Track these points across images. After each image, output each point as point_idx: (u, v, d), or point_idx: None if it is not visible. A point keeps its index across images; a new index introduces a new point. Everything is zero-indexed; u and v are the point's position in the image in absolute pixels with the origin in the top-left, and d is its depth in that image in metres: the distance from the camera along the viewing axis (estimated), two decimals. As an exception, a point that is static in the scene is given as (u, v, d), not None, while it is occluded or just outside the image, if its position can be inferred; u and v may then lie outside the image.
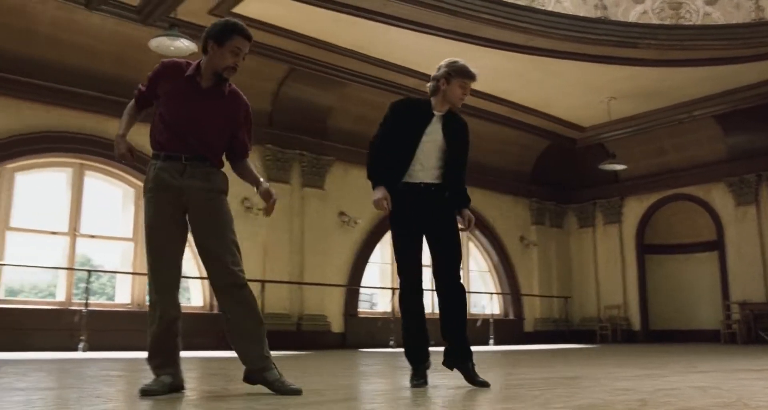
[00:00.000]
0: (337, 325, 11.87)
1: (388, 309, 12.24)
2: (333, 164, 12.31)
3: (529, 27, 10.28)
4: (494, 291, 15.12)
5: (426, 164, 3.84)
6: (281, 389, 3.19)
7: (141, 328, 9.37)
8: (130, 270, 10.25)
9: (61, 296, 9.76)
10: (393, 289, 12.47)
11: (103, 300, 10.99)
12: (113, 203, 10.95)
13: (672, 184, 15.12)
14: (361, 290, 12.79)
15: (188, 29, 9.76)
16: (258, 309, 3.45)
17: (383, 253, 13.16)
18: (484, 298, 15.11)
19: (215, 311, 10.73)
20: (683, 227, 15.49)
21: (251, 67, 11.20)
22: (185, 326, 10.44)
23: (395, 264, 4.00)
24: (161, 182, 3.29)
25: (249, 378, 3.36)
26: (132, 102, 3.46)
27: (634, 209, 15.77)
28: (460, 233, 3.98)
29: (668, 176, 15.12)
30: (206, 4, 9.55)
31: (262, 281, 10.82)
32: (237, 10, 9.70)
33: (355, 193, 12.48)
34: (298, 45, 10.82)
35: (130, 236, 10.36)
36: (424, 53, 11.13)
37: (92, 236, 10.12)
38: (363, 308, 13.28)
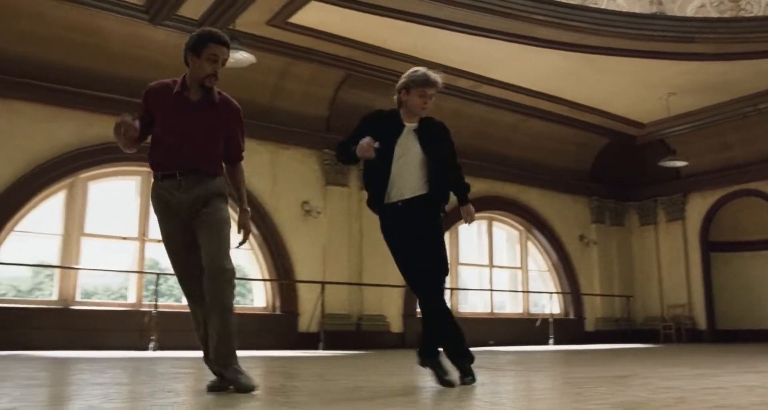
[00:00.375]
0: (396, 325, 12.06)
1: (447, 309, 12.35)
2: (389, 166, 12.49)
3: (582, 26, 10.24)
4: (554, 291, 15.05)
5: (407, 181, 3.84)
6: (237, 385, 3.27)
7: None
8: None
9: (132, 298, 10.25)
10: (451, 289, 12.59)
11: (171, 302, 11.37)
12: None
13: (738, 179, 14.73)
14: (420, 290, 12.90)
15: (247, 40, 10.16)
16: (224, 301, 3.35)
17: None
18: (544, 298, 15.06)
19: (277, 312, 11.10)
20: (750, 224, 15.07)
21: (308, 75, 11.53)
22: (249, 326, 10.91)
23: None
24: (161, 200, 3.46)
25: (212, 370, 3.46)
26: None
27: (697, 206, 15.42)
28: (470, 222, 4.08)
29: (734, 171, 14.73)
30: (263, 16, 9.87)
31: (322, 283, 11.10)
32: (293, 20, 10.01)
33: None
34: (353, 51, 11.05)
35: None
36: (478, 55, 11.23)
37: (159, 241, 10.58)
38: (422, 308, 13.38)
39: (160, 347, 9.16)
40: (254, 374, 4.78)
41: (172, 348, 9.14)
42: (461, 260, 13.90)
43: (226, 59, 3.49)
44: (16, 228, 9.58)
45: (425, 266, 3.79)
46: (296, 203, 11.52)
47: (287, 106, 11.62)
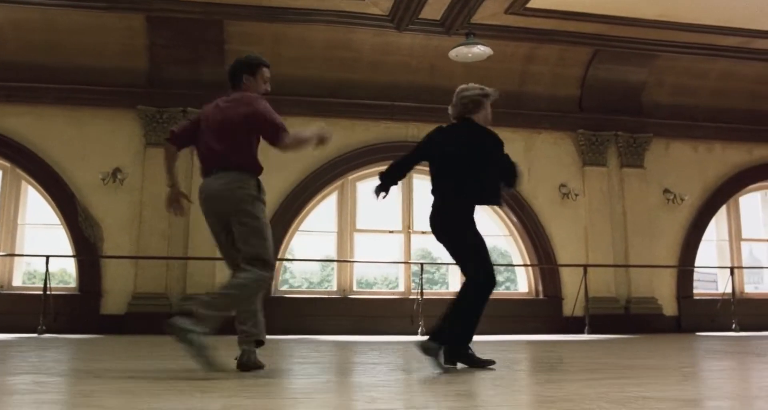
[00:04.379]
0: (669, 308, 11.38)
1: (728, 289, 11.31)
2: (652, 140, 11.79)
3: None
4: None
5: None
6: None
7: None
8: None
9: (401, 287, 11.08)
10: (731, 268, 11.51)
11: (442, 289, 12.05)
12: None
13: None
14: (696, 270, 12.02)
15: (489, 31, 10.34)
16: (236, 286, 3.78)
17: (719, 230, 12.21)
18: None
19: (540, 296, 11.16)
20: None
21: (554, 56, 11.34)
22: (513, 311, 11.09)
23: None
24: (201, 194, 3.98)
25: None
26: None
27: None
28: None
29: None
30: (501, 6, 9.92)
31: (584, 266, 10.89)
32: (531, 4, 9.93)
33: (679, 169, 11.86)
34: (599, 26, 10.59)
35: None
36: (743, 7, 10.08)
37: (423, 233, 11.27)
38: (701, 289, 12.43)
39: (427, 332, 9.78)
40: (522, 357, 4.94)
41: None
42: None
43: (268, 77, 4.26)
44: (300, 228, 10.92)
45: None
46: (553, 186, 11.43)
47: (537, 90, 11.56)
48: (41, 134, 10.08)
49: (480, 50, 9.07)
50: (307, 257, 11.99)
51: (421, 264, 10.66)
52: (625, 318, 11.00)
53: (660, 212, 11.68)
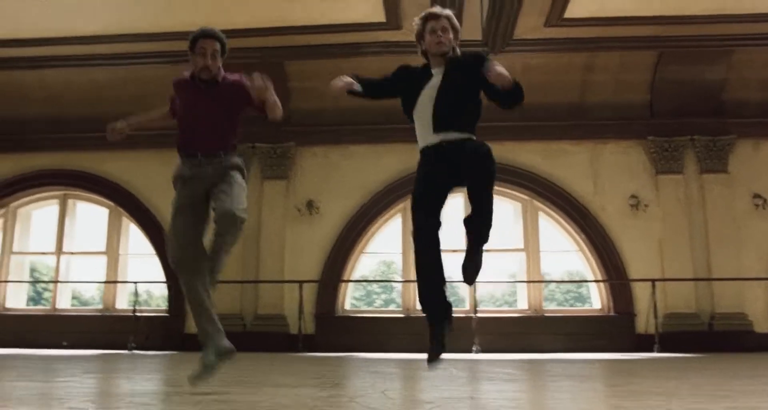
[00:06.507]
0: (762, 324, 10.39)
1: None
2: (735, 142, 10.91)
3: None
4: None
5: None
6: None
7: (529, 332, 10.13)
8: (524, 279, 11.06)
9: (466, 305, 11.19)
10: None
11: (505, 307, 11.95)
12: (505, 218, 11.97)
13: None
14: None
15: (535, 46, 10.32)
16: (227, 239, 3.70)
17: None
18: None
19: (612, 313, 10.71)
20: None
21: (615, 63, 10.97)
22: (585, 329, 10.93)
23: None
24: (181, 175, 3.86)
25: None
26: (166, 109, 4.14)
27: None
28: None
29: None
30: (539, 19, 9.85)
31: (653, 280, 10.30)
32: (568, 14, 9.75)
33: (771, 171, 10.87)
34: (658, 28, 10.12)
35: (521, 246, 11.18)
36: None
37: (486, 251, 11.29)
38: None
39: (482, 350, 9.85)
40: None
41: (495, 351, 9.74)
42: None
43: (216, 50, 3.85)
44: (366, 250, 11.42)
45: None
46: (623, 198, 10.96)
47: (599, 99, 11.20)
48: (136, 175, 11.51)
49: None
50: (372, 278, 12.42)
51: (531, 281, 10.70)
52: (708, 336, 10.22)
53: (748, 220, 10.74)
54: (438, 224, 3.61)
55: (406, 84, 3.74)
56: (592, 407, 3.32)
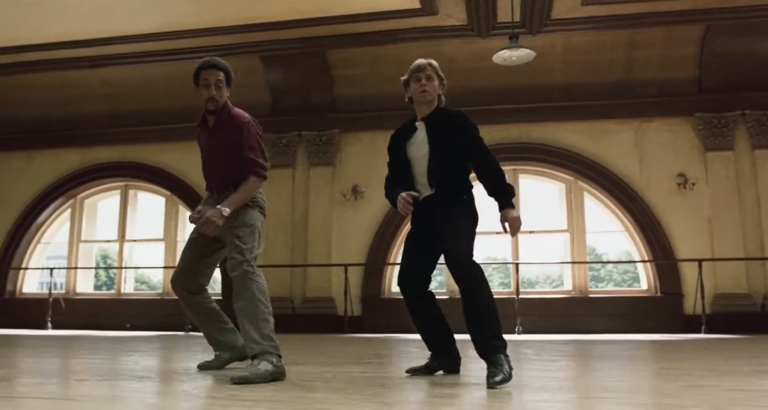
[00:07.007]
0: (820, 304, 10.04)
1: None
2: (790, 116, 10.52)
3: None
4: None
5: (419, 178, 3.74)
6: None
7: (573, 313, 10.20)
8: (569, 260, 11.00)
9: (568, 286, 11.23)
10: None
11: (610, 287, 11.88)
12: (549, 199, 11.91)
13: None
14: None
15: (575, 25, 10.21)
16: (244, 293, 3.65)
17: None
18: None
19: (659, 293, 10.55)
20: None
21: (660, 38, 10.69)
22: (634, 310, 11.03)
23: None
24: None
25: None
26: None
27: None
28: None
29: None
30: (576, -1, 9.74)
31: (699, 260, 10.05)
32: (610, -10, 9.59)
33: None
34: (703, 0, 9.84)
35: (565, 228, 11.12)
36: None
37: (531, 232, 11.29)
38: None
39: (524, 330, 9.91)
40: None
41: (538, 332, 9.78)
42: None
43: (220, 80, 3.81)
44: (410, 233, 11.58)
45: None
46: (669, 176, 10.73)
47: (646, 76, 10.96)
48: (189, 165, 12.00)
49: (524, 53, 9.11)
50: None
51: (578, 263, 10.76)
52: (760, 317, 9.96)
53: (802, 197, 10.35)
54: (429, 296, 4.05)
55: (400, 153, 3.88)
56: (637, 385, 3.36)
